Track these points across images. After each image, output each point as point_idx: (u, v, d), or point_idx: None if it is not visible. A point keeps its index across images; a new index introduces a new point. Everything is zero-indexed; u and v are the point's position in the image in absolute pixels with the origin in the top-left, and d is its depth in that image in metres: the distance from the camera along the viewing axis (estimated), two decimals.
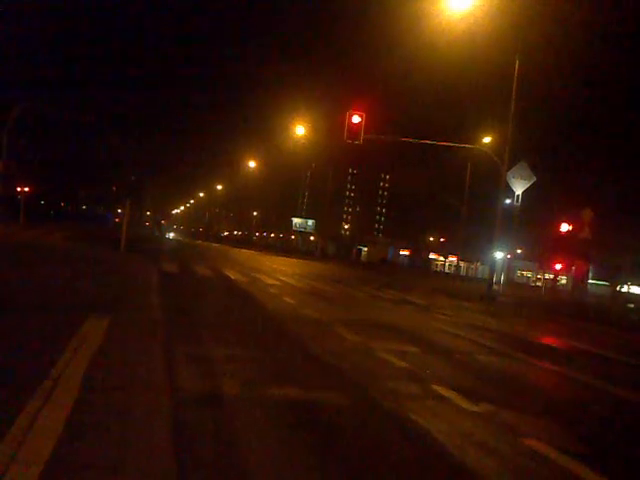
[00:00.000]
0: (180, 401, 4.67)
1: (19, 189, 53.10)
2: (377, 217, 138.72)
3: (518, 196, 25.50)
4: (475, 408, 5.64)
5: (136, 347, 6.25)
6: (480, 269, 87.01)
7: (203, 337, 7.88)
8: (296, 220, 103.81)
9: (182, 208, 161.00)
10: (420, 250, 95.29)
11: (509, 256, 54.59)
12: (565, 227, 32.63)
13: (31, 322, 6.84)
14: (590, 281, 64.78)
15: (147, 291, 11.84)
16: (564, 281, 73.39)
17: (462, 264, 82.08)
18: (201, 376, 5.69)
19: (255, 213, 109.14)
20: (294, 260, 48.23)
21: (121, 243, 24.03)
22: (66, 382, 4.44)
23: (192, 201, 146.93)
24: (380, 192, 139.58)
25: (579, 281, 31.96)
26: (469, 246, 69.47)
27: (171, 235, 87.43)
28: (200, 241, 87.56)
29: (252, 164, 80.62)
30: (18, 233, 30.79)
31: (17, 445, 3.18)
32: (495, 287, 27.89)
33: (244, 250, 60.30)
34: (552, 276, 73.97)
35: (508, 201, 27.46)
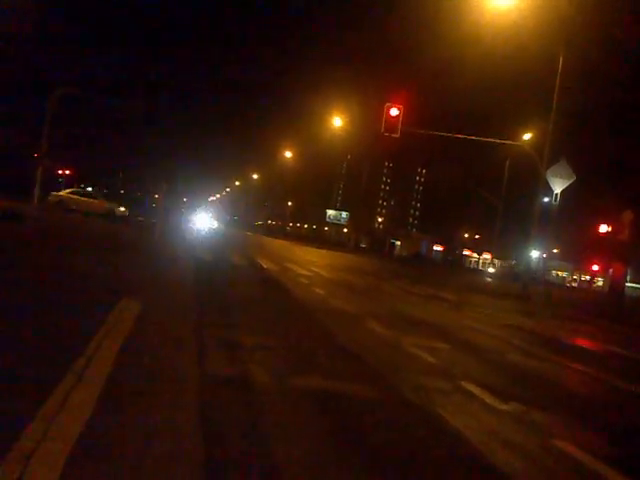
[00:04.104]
0: (208, 386, 4.71)
1: (60, 172, 54.23)
2: (411, 211, 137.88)
3: (557, 195, 25.06)
4: (504, 407, 5.57)
5: (167, 331, 6.32)
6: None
7: (233, 323, 7.93)
8: (330, 212, 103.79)
9: (218, 196, 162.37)
10: (454, 246, 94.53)
11: (545, 255, 53.82)
12: (604, 228, 31.98)
13: (63, 304, 6.96)
14: (628, 284, 63.52)
15: (180, 276, 11.98)
16: (600, 283, 72.10)
17: (496, 261, 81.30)
18: (230, 362, 5.73)
19: (289, 203, 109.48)
20: (327, 252, 48.27)
21: (157, 228, 24.34)
22: (97, 362, 4.52)
23: (228, 189, 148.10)
24: (415, 186, 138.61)
25: (617, 283, 31.30)
26: (504, 244, 68.62)
27: (215, 224, 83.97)
28: (234, 229, 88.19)
29: (288, 154, 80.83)
30: (56, 214, 31.42)
31: (49, 422, 3.24)
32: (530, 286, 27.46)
33: (277, 240, 60.57)
34: (588, 277, 72.87)
35: (546, 200, 27.02)
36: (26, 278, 8.29)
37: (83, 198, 36.00)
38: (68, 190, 38.67)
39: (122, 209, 38.05)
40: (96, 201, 36.13)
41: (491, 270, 78.35)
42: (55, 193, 36.49)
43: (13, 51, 36.66)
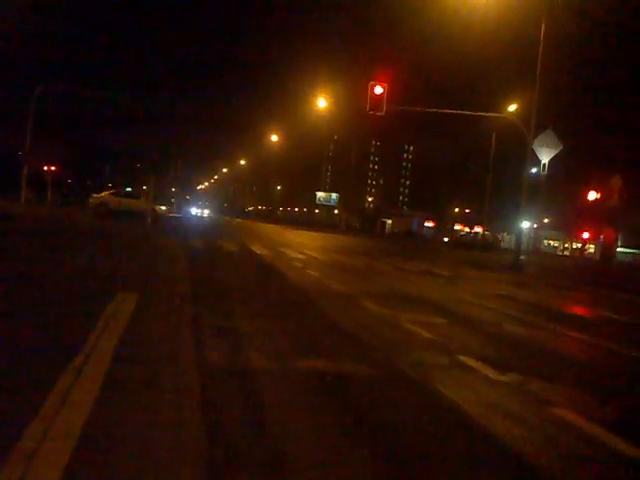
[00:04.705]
0: (208, 372, 4.72)
1: (46, 168, 53.75)
2: (401, 189, 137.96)
3: (544, 165, 25.06)
4: (503, 378, 5.61)
5: (164, 322, 6.31)
6: (506, 239, 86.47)
7: (229, 311, 7.93)
8: (320, 194, 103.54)
9: (206, 184, 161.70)
10: (445, 221, 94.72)
11: (536, 226, 54.14)
12: (593, 195, 32.09)
13: (58, 302, 6.94)
14: (619, 249, 64.02)
15: (174, 267, 11.95)
16: (592, 250, 72.58)
17: (487, 234, 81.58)
18: (228, 348, 5.73)
19: (279, 187, 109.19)
20: (318, 234, 48.28)
21: (147, 220, 24.27)
22: (97, 357, 4.51)
23: (216, 177, 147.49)
24: (404, 164, 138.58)
25: (608, 249, 31.50)
26: (495, 216, 68.83)
27: (206, 213, 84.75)
28: (225, 216, 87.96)
29: (274, 138, 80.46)
30: (45, 212, 31.23)
31: (50, 420, 3.24)
32: (522, 257, 27.57)
33: (268, 225, 60.47)
34: (580, 245, 73.37)
35: (534, 170, 27.02)
36: (18, 275, 8.25)
37: (124, 198, 36.96)
38: (109, 191, 39.86)
39: (163, 208, 39.39)
40: (137, 201, 36.99)
41: (445, 239, 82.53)
42: (96, 195, 38.20)
43: (5, 49, 36.48)
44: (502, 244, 79.47)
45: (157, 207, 37.35)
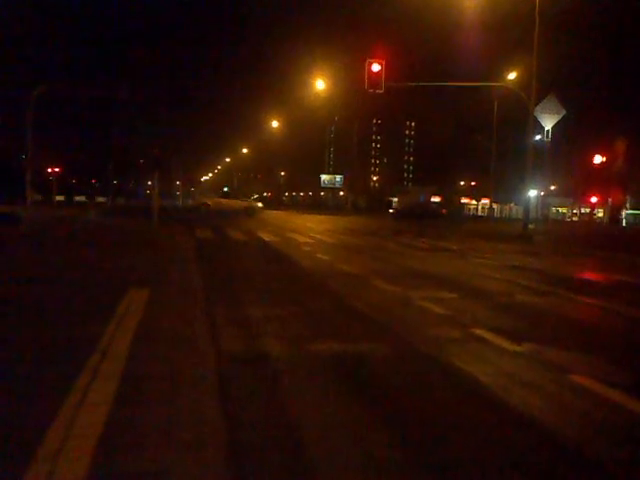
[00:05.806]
0: (225, 361, 4.75)
1: (50, 170, 53.91)
2: (405, 166, 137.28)
3: (548, 131, 24.86)
4: (518, 348, 5.62)
5: (177, 314, 6.35)
6: (514, 209, 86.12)
7: (242, 299, 7.96)
8: (324, 177, 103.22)
9: (210, 175, 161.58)
10: (451, 196, 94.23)
11: (543, 193, 53.84)
12: (598, 159, 31.88)
13: (70, 300, 6.98)
14: (628, 211, 63.64)
15: (184, 259, 11.98)
16: (601, 214, 72.22)
17: (495, 206, 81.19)
18: (244, 336, 5.77)
19: (282, 173, 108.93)
20: (325, 217, 48.21)
21: (153, 215, 24.31)
22: (112, 356, 4.54)
23: (219, 167, 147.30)
24: (407, 140, 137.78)
25: (616, 212, 31.37)
26: (501, 187, 68.38)
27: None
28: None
29: (275, 124, 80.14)
30: (51, 213, 31.37)
31: (71, 419, 3.28)
32: (531, 226, 27.45)
33: (274, 211, 60.39)
34: (588, 210, 73.00)
35: (538, 137, 26.80)
36: (27, 276, 8.31)
37: (223, 198, 44.09)
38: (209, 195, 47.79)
39: (260, 204, 46.12)
40: (235, 199, 43.79)
41: (391, 210, 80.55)
42: (198, 198, 45.40)
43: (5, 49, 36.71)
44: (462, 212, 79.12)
45: (254, 204, 44.16)
